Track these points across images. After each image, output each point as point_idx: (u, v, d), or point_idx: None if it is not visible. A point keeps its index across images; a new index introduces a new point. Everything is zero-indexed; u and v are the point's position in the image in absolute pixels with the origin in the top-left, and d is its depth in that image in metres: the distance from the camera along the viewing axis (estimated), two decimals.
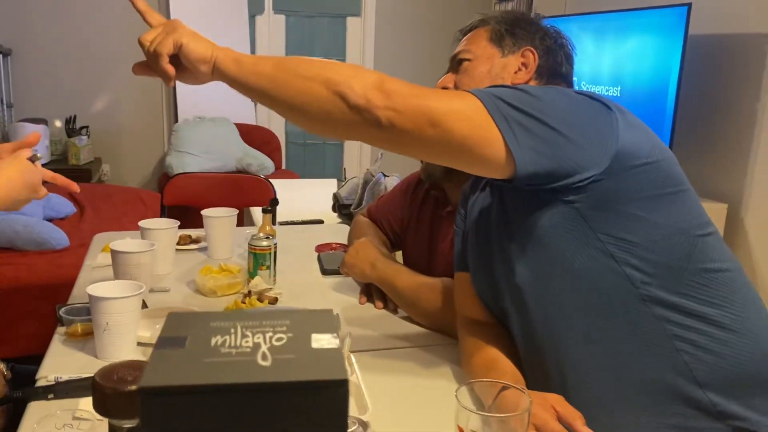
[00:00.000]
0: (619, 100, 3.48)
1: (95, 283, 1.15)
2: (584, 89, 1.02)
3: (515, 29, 1.13)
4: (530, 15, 1.17)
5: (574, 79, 1.18)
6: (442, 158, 0.90)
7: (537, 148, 0.83)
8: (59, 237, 2.66)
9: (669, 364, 0.86)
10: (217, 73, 0.95)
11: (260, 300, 1.42)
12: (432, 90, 0.87)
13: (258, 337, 0.40)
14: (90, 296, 1.09)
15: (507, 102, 0.84)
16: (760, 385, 0.88)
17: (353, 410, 0.99)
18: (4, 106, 4.21)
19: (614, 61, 3.57)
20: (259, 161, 4.40)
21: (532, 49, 1.12)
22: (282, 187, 2.75)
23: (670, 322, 0.86)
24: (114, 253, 1.36)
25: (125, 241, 1.41)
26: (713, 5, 3.30)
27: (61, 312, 1.20)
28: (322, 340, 0.41)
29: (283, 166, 4.94)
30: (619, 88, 3.54)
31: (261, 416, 0.35)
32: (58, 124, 4.34)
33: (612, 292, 0.87)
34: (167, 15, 4.44)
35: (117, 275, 1.36)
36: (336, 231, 2.09)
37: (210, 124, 4.42)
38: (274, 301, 1.43)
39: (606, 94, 3.63)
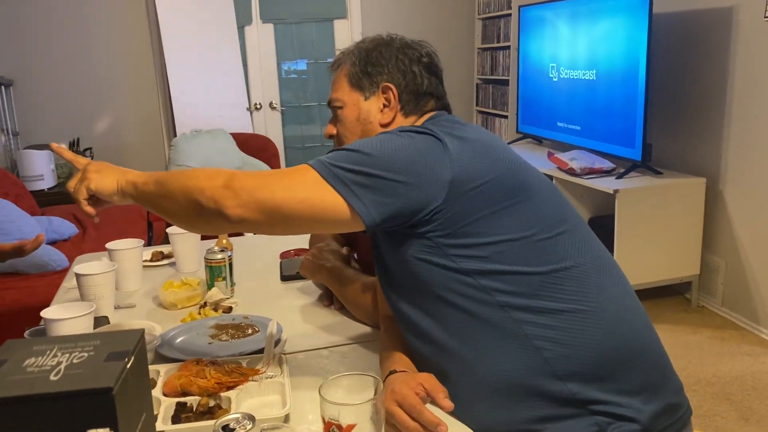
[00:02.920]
0: (594, 84, 3.53)
1: (58, 305, 1.28)
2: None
3: (368, 67, 1.15)
4: (383, 38, 1.18)
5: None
6: (301, 231, 1.03)
7: (377, 200, 0.95)
8: (59, 259, 2.82)
9: (531, 362, 0.96)
10: (125, 197, 1.12)
11: (215, 310, 1.54)
12: (276, 177, 0.98)
13: (64, 357, 0.51)
14: (44, 319, 1.21)
15: (342, 167, 0.96)
16: (616, 369, 0.97)
17: (277, 406, 1.10)
18: (10, 135, 4.41)
19: (588, 45, 3.62)
20: (257, 168, 4.54)
21: (389, 84, 1.15)
22: None
23: (528, 323, 0.96)
24: (77, 276, 1.49)
25: (89, 264, 1.54)
26: None
27: (26, 334, 1.33)
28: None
29: None
30: (594, 72, 3.59)
31: (42, 422, 0.46)
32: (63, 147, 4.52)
33: (472, 305, 0.98)
34: (156, 29, 4.59)
35: (82, 296, 1.49)
36: (306, 237, 2.19)
37: (207, 137, 4.56)
38: (229, 310, 1.54)
39: (583, 78, 3.68)
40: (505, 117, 4.95)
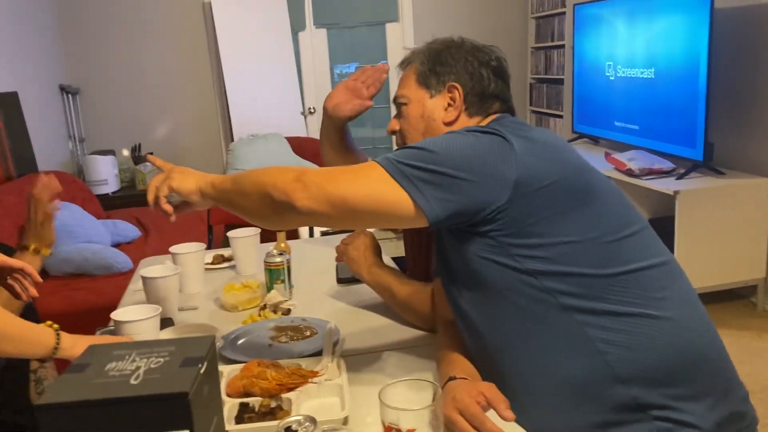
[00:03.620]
0: (653, 82, 3.44)
1: (126, 307, 1.34)
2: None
3: (436, 66, 1.17)
4: (453, 40, 1.20)
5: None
6: (366, 225, 1.07)
7: (440, 196, 0.97)
8: (123, 261, 2.94)
9: (593, 365, 0.95)
10: (204, 197, 1.16)
11: (274, 312, 1.58)
12: (344, 173, 1.01)
13: (143, 361, 0.54)
14: (114, 321, 1.27)
15: (407, 164, 0.98)
16: (679, 374, 0.95)
17: (336, 408, 1.13)
18: (77, 141, 4.61)
19: (646, 43, 3.53)
20: None
21: (455, 84, 1.16)
22: None
23: (591, 325, 0.95)
24: (143, 279, 1.56)
25: (155, 267, 1.60)
26: None
27: (98, 334, 1.40)
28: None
29: None
30: (653, 70, 3.50)
31: (125, 423, 0.48)
32: (126, 153, 4.71)
33: (534, 305, 0.98)
34: (213, 37, 4.72)
35: (147, 298, 1.55)
36: None
37: (263, 141, 4.65)
38: (287, 312, 1.58)
39: (641, 76, 3.59)
40: (560, 117, 4.88)
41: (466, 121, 1.16)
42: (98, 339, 1.18)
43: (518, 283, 0.98)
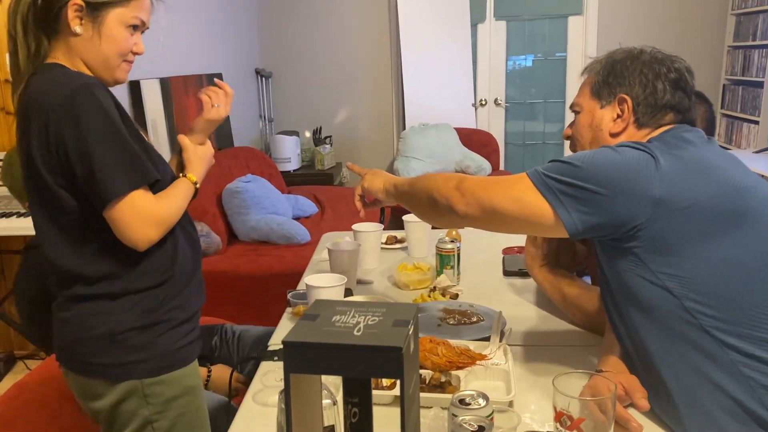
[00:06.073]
0: None
1: (315, 274, 1.50)
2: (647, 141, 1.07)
3: (610, 77, 1.19)
4: (633, 51, 1.19)
5: None
6: (512, 230, 1.15)
7: (581, 209, 1.02)
8: (303, 233, 3.21)
9: (736, 389, 0.94)
10: (388, 196, 1.41)
11: (443, 295, 1.67)
12: (497, 183, 1.13)
13: (361, 317, 0.65)
14: (306, 285, 1.43)
15: (552, 177, 1.06)
16: None
17: (501, 391, 1.19)
18: (266, 121, 5.05)
19: None
20: (477, 163, 4.66)
21: (625, 96, 1.17)
22: None
23: (733, 349, 0.94)
24: (329, 252, 1.72)
25: (340, 242, 1.76)
26: None
27: (289, 296, 1.58)
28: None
29: (501, 167, 5.14)
30: None
31: (349, 364, 0.59)
32: (308, 134, 5.08)
33: (676, 324, 0.99)
34: (396, 27, 4.91)
35: (332, 269, 1.71)
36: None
37: (433, 130, 4.79)
38: (455, 296, 1.66)
39: None
40: (756, 123, 4.47)
41: (633, 133, 1.17)
42: (198, 162, 1.41)
43: (661, 300, 1.00)
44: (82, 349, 1.26)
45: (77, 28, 1.22)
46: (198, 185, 1.35)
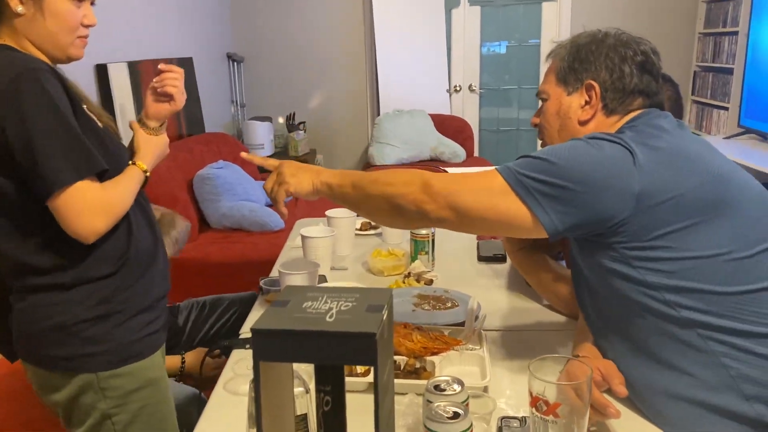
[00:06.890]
0: None
1: (288, 261, 1.48)
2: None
3: (575, 63, 1.15)
4: (597, 35, 1.15)
5: None
6: (489, 233, 1.11)
7: (560, 209, 0.98)
8: (276, 220, 3.17)
9: (715, 380, 0.93)
10: (320, 194, 1.25)
11: (417, 281, 1.65)
12: (466, 183, 1.06)
13: (334, 303, 0.63)
14: (279, 272, 1.41)
15: (527, 175, 1.00)
16: None
17: (476, 376, 1.18)
18: (238, 106, 4.97)
19: None
20: (451, 149, 4.65)
21: (592, 82, 1.13)
22: None
23: (715, 340, 0.94)
24: (302, 238, 1.69)
25: (313, 228, 1.74)
26: None
27: (262, 283, 1.55)
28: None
29: (476, 153, 5.14)
30: None
31: (321, 351, 0.57)
32: (281, 120, 5.01)
33: (655, 317, 0.98)
34: (370, 12, 4.86)
35: (305, 255, 1.69)
36: None
37: (407, 116, 4.76)
38: (430, 282, 1.65)
39: None
40: (725, 109, 4.53)
41: (602, 120, 1.14)
42: (147, 149, 1.36)
43: (640, 295, 0.98)
44: (37, 341, 1.22)
45: (18, 8, 1.16)
46: (148, 173, 1.30)
